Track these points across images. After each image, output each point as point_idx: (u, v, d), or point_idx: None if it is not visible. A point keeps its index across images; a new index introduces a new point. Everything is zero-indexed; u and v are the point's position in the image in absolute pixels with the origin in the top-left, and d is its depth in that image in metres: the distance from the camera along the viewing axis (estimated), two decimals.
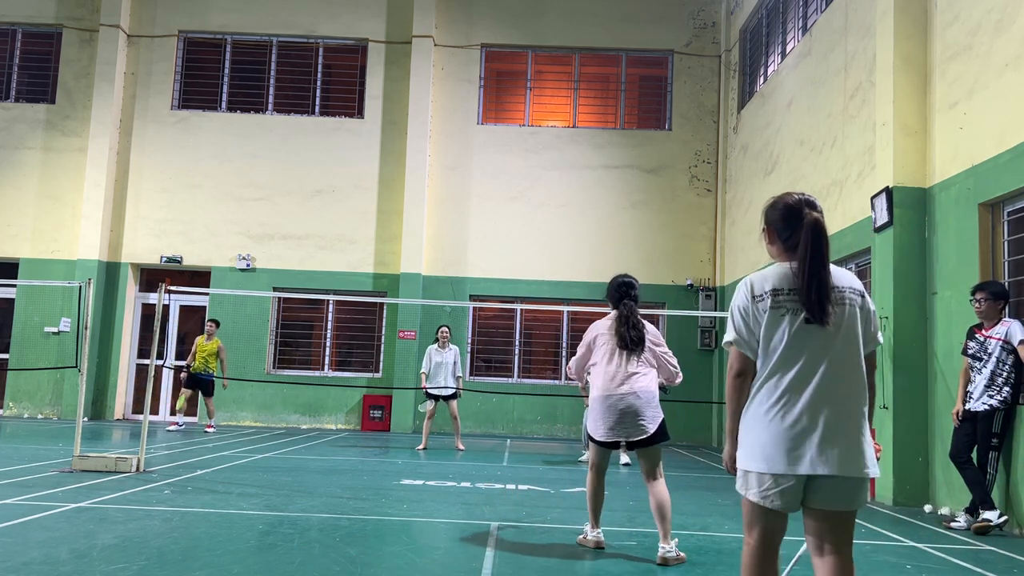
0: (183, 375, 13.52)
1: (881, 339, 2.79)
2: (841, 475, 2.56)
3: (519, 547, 5.06)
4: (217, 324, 13.75)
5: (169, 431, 12.95)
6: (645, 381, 4.98)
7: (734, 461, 2.76)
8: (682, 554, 4.79)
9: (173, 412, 14.37)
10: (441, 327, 11.86)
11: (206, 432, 13.04)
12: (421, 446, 11.56)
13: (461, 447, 11.73)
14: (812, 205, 2.70)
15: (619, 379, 4.97)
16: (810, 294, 2.59)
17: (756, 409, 2.67)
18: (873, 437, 2.76)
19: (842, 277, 2.72)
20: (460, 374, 11.64)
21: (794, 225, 2.67)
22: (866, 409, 2.66)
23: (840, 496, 2.61)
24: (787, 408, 2.59)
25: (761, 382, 2.67)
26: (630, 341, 5.05)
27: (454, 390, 11.46)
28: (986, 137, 7.00)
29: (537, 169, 15.99)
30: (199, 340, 13.43)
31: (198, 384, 13.37)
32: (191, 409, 13.82)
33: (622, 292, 5.26)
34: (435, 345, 11.63)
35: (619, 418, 4.89)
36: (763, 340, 2.66)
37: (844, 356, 2.63)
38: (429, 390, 11.44)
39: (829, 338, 2.61)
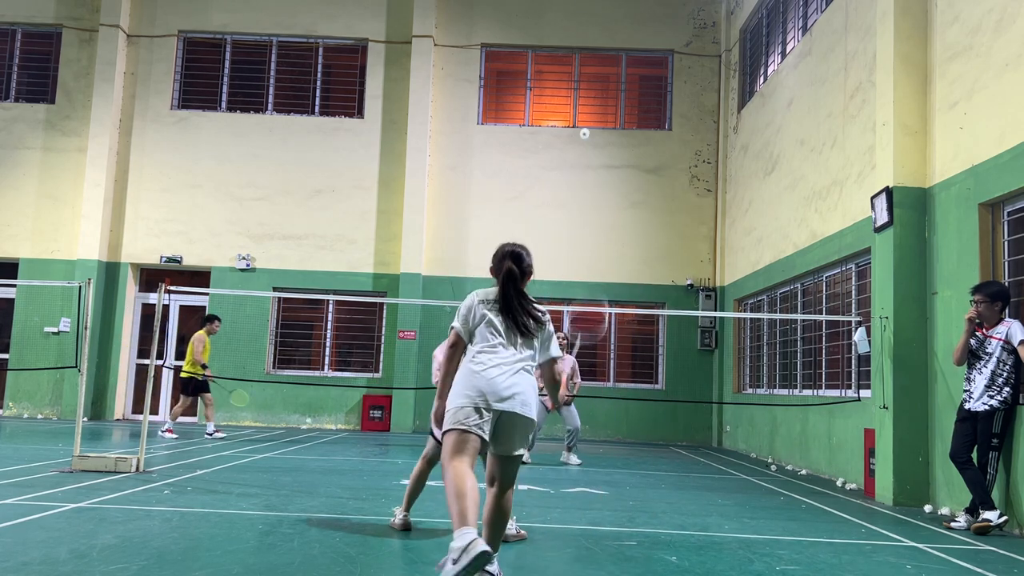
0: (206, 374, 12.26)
1: (555, 352, 4.24)
2: (518, 413, 3.88)
3: (519, 547, 5.06)
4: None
5: (167, 437, 11.84)
6: None
7: (442, 415, 4.00)
8: (522, 531, 5.31)
9: (184, 418, 12.40)
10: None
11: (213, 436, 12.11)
12: None
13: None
14: (515, 258, 4.15)
15: None
16: (507, 314, 4.05)
17: (465, 368, 3.99)
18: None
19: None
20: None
21: (501, 269, 4.13)
22: (533, 379, 4.06)
23: (510, 440, 3.90)
24: (483, 368, 3.93)
25: (472, 354, 4.02)
26: None
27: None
28: (986, 137, 7.00)
29: (537, 169, 15.99)
30: (207, 338, 12.44)
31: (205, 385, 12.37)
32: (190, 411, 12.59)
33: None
34: None
35: None
36: (480, 328, 4.05)
37: (523, 348, 4.07)
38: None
39: (514, 335, 4.05)
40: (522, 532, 5.27)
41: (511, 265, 4.10)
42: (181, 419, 15.72)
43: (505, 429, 3.90)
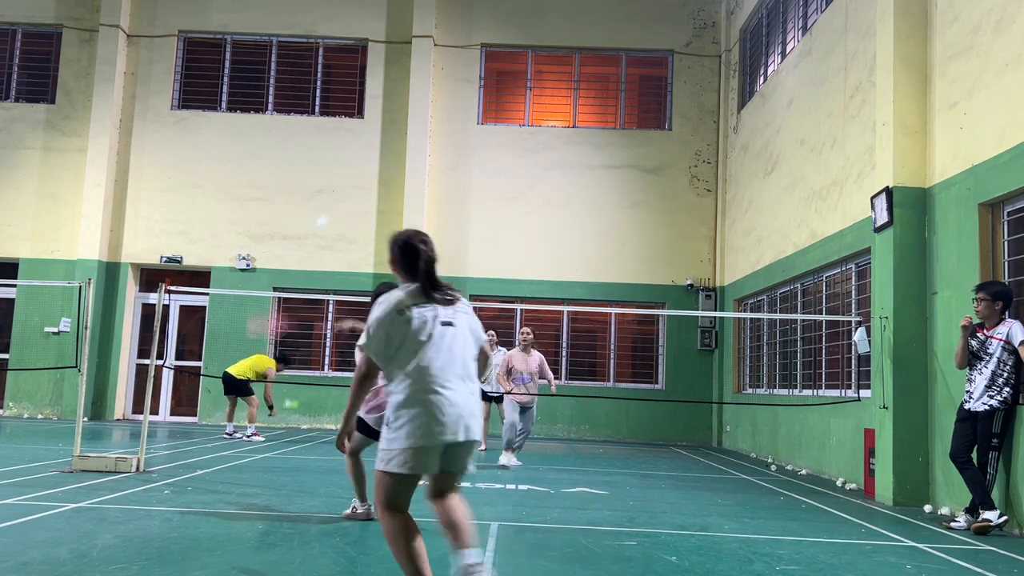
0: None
1: (484, 337, 3.66)
2: (470, 440, 3.41)
3: (519, 547, 5.06)
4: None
5: (255, 440, 12.06)
6: None
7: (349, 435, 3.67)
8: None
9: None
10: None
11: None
12: (482, 447, 11.17)
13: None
14: (423, 241, 3.58)
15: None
16: (434, 301, 3.46)
17: (405, 396, 3.34)
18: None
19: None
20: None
21: (412, 255, 3.53)
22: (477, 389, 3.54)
23: (461, 459, 3.44)
24: (430, 393, 3.33)
25: (408, 374, 3.36)
26: None
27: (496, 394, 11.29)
28: (986, 137, 7.00)
29: (537, 169, 15.99)
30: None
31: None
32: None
33: None
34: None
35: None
36: (409, 342, 3.37)
37: (466, 349, 3.51)
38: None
39: (455, 337, 3.47)
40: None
41: (425, 250, 3.57)
42: (180, 419, 15.72)
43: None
